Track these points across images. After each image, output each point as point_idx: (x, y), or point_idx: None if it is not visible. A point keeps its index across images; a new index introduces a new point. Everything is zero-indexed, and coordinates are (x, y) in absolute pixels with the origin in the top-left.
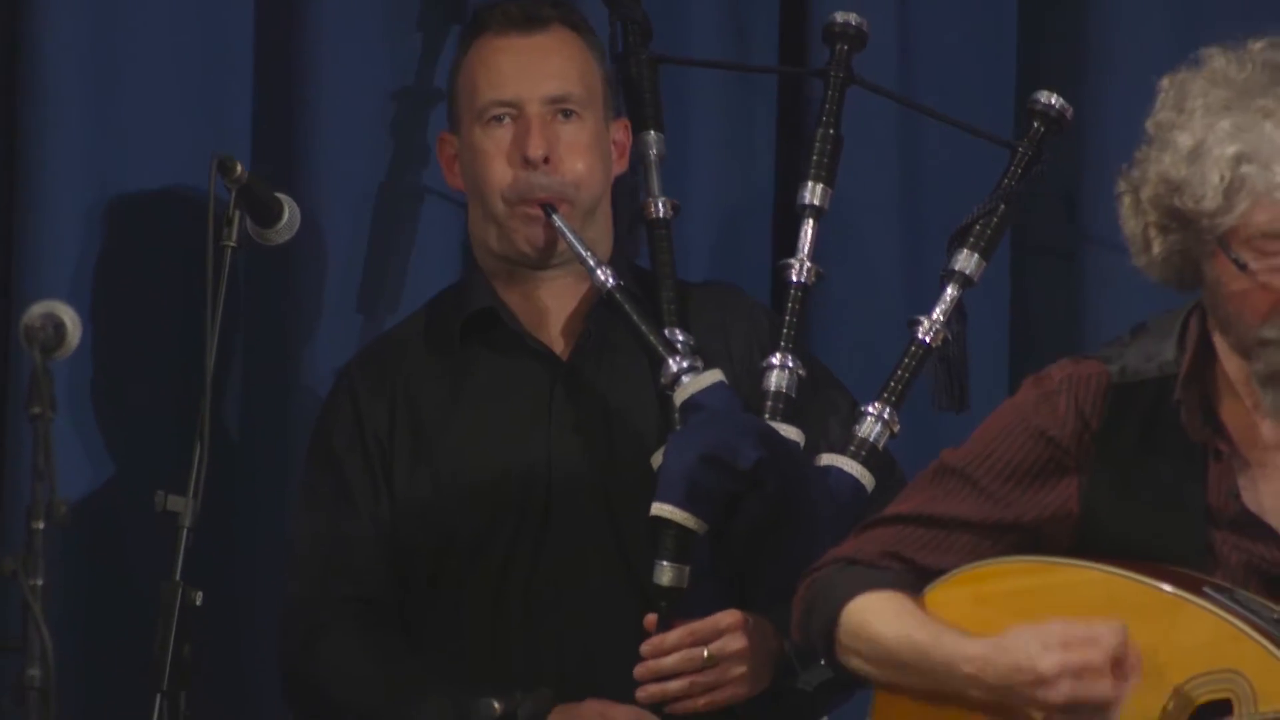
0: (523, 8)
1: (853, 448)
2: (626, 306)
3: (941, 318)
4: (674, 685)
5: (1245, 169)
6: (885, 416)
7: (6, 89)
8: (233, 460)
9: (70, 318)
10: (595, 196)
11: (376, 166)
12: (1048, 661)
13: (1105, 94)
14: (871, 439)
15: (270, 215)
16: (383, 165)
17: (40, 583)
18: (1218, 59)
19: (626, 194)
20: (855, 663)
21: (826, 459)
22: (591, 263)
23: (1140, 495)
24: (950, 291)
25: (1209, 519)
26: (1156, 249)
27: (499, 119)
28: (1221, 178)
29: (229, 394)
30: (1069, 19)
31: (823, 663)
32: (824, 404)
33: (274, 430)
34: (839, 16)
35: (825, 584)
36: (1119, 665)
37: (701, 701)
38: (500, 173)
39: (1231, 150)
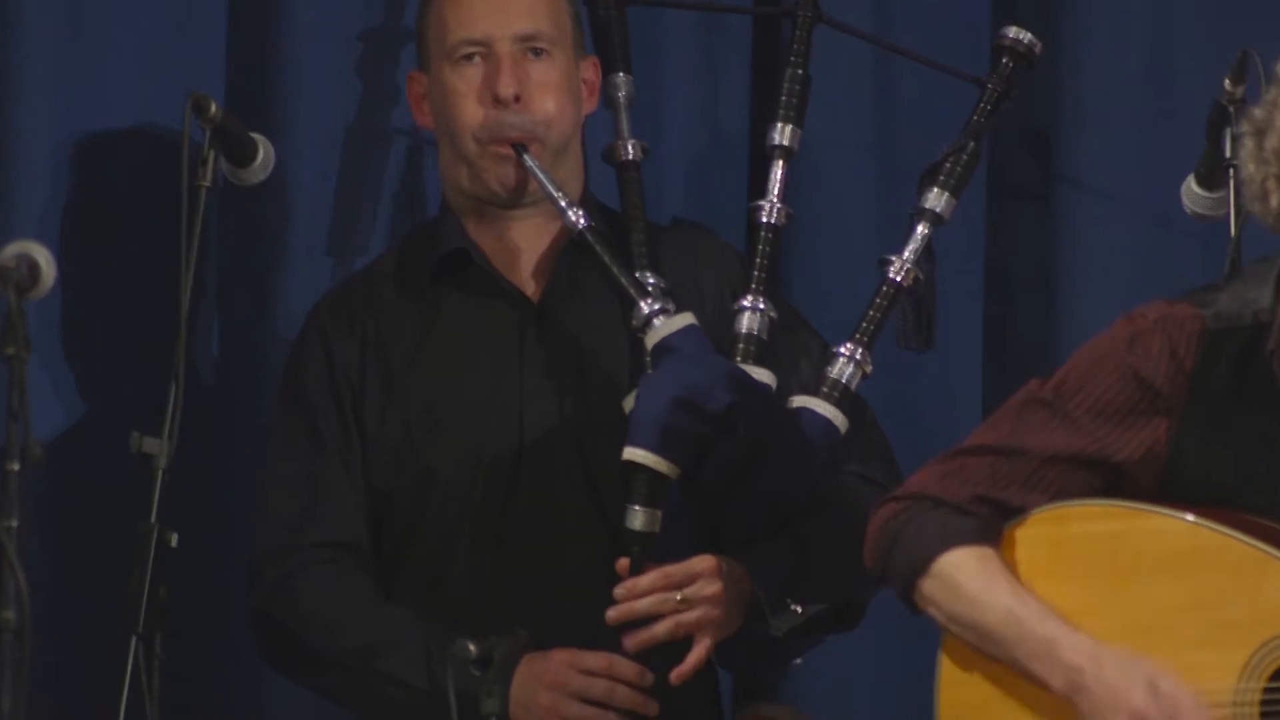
0: None
1: (824, 389)
2: (598, 248)
3: (912, 257)
4: (660, 628)
5: None
6: (857, 357)
7: None
8: (208, 401)
9: (44, 257)
10: (566, 135)
11: (348, 106)
12: (1140, 701)
13: (1080, 32)
14: (844, 380)
15: (245, 155)
16: (354, 105)
17: (15, 524)
18: None
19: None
20: (933, 612)
21: (798, 401)
22: (563, 203)
23: (1230, 443)
24: (920, 230)
25: None
26: (1274, 201)
27: (469, 58)
28: None
29: (203, 335)
30: None
31: (798, 607)
32: (795, 346)
33: (249, 371)
34: None
35: (912, 524)
36: None
37: (671, 633)
38: (471, 112)
39: None
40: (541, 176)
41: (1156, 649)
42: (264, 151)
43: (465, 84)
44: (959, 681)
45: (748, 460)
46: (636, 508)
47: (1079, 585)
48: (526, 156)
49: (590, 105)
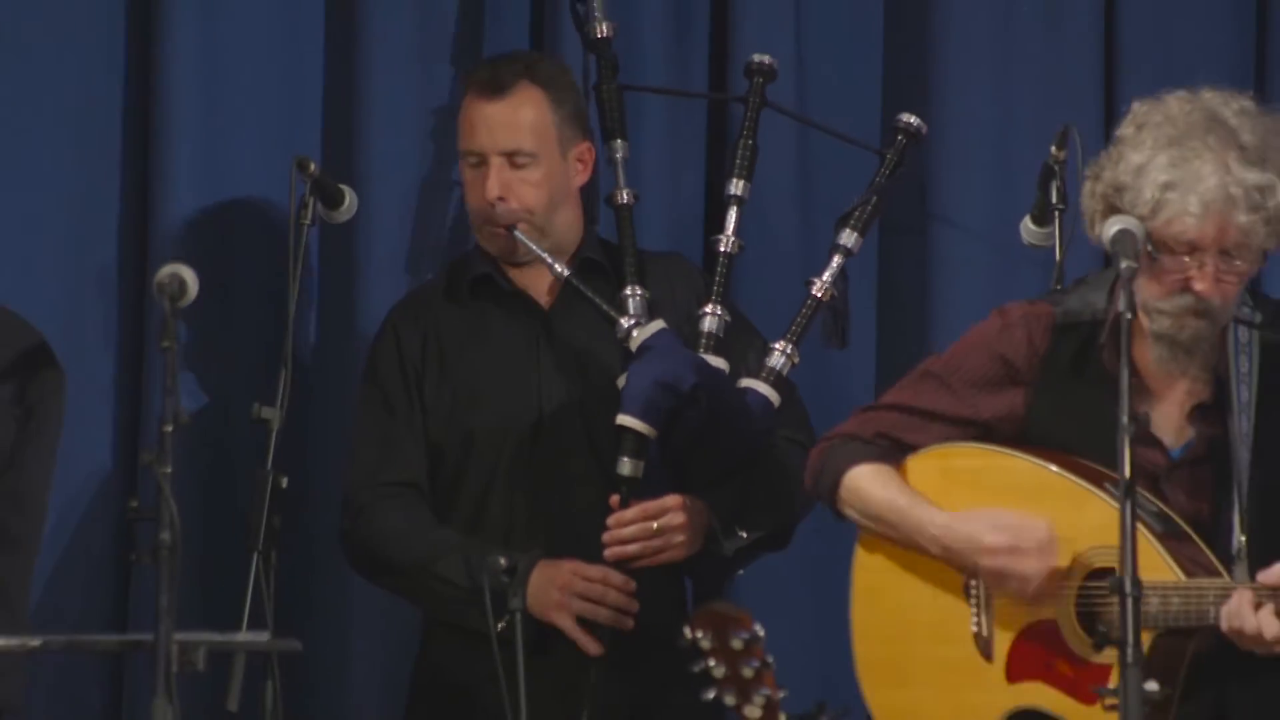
0: (495, 72)
1: (764, 374)
2: (581, 288)
3: (830, 279)
4: (632, 549)
5: (1170, 194)
6: (788, 352)
7: (142, 107)
8: (309, 381)
9: (190, 276)
10: (547, 214)
11: (415, 164)
12: (991, 538)
13: (947, 114)
14: (778, 368)
15: (336, 201)
16: (419, 163)
17: (169, 470)
18: (1173, 103)
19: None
20: (849, 512)
21: (745, 382)
22: (549, 260)
23: (1069, 409)
24: (836, 260)
25: (1115, 430)
26: (1098, 229)
27: (471, 162)
28: (1153, 195)
29: (305, 332)
30: (918, 59)
31: (743, 533)
32: (743, 342)
33: (339, 359)
34: (755, 57)
35: (833, 453)
36: (1042, 553)
37: (650, 560)
38: (474, 200)
39: (1164, 178)
40: (530, 245)
41: None
42: (350, 198)
43: (470, 179)
44: (868, 567)
45: (707, 425)
46: (625, 459)
47: (956, 502)
48: (516, 233)
49: (583, 178)
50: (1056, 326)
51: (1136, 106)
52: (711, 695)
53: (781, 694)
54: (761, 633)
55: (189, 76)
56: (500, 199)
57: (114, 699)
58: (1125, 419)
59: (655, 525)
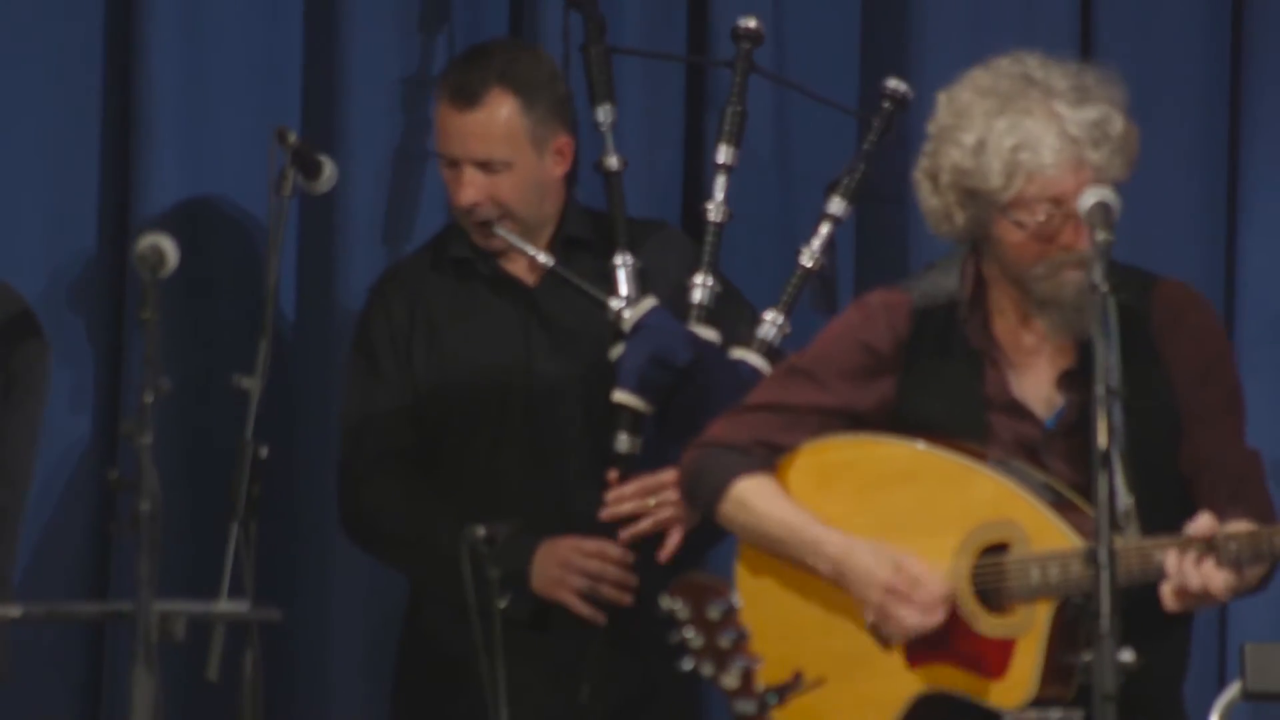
0: (467, 79)
1: (755, 345)
2: (567, 275)
3: (819, 248)
4: (644, 524)
5: (1021, 155)
6: (779, 322)
7: (122, 79)
8: (288, 351)
9: (169, 246)
10: (526, 209)
11: (396, 134)
12: (886, 576)
13: (925, 79)
14: (769, 339)
15: (315, 171)
16: (399, 134)
17: (149, 440)
18: (980, 77)
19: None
20: (733, 527)
21: (737, 353)
22: (531, 252)
23: (937, 389)
24: (825, 228)
25: (987, 406)
26: (958, 220)
27: (447, 163)
28: (1003, 163)
29: (285, 302)
30: (897, 24)
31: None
32: (734, 312)
33: (319, 329)
34: (742, 21)
35: (709, 463)
36: (929, 610)
37: (648, 530)
38: (453, 199)
39: (1009, 143)
40: (512, 239)
41: (894, 540)
42: (329, 169)
43: (448, 177)
44: (752, 574)
45: (702, 401)
46: (623, 434)
47: (836, 497)
48: (498, 228)
49: (562, 169)
50: (916, 311)
51: (942, 96)
52: (689, 665)
53: (758, 664)
54: (738, 603)
55: (169, 47)
56: (476, 203)
57: (94, 668)
58: (1101, 389)
59: (653, 501)
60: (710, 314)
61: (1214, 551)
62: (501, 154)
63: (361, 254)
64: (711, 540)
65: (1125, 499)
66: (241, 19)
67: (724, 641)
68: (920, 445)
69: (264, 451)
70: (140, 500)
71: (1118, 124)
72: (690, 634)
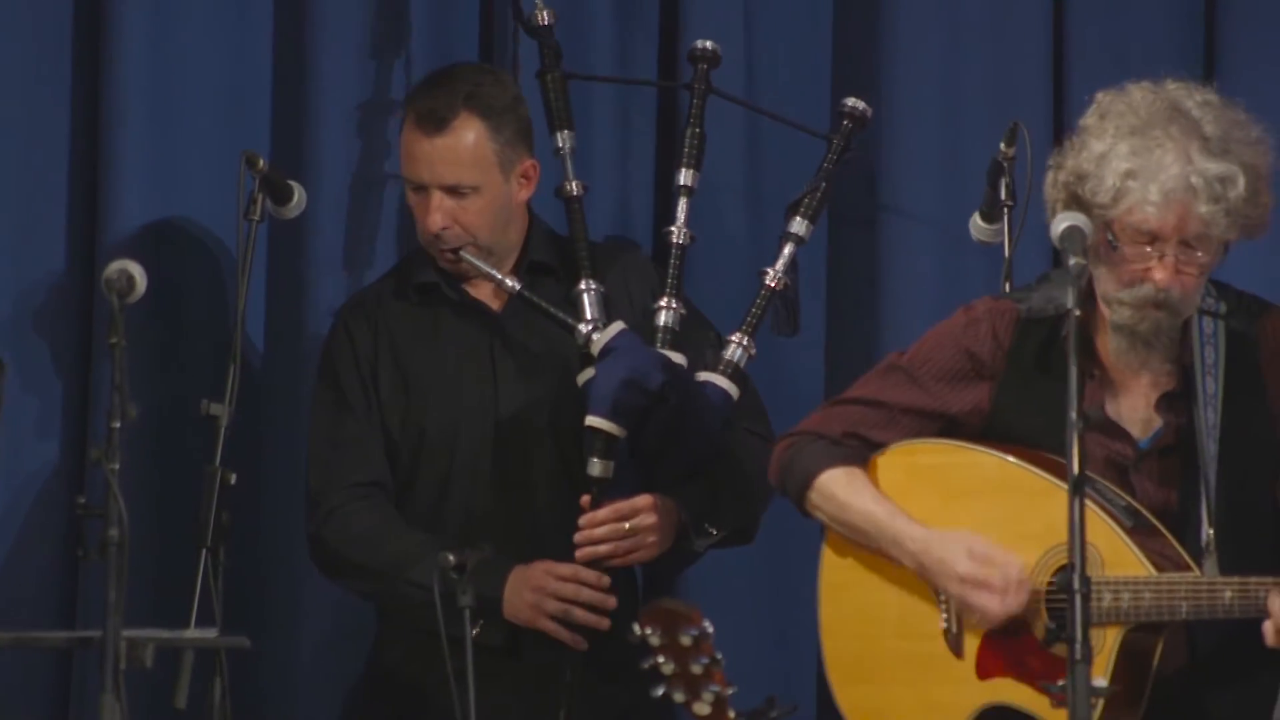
0: (434, 103)
1: (721, 367)
2: (534, 299)
3: (782, 268)
4: (603, 549)
5: (1131, 183)
6: (744, 343)
7: (91, 102)
8: (257, 377)
9: (138, 271)
10: (493, 234)
11: (365, 160)
12: (964, 567)
13: (895, 102)
14: (736, 360)
15: (284, 197)
16: (369, 159)
17: (117, 466)
18: (1136, 92)
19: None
20: (819, 515)
21: (703, 376)
22: (499, 277)
23: (1033, 402)
24: (788, 248)
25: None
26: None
27: (414, 188)
28: (1115, 183)
29: (254, 327)
30: (868, 46)
31: (713, 529)
32: (699, 335)
33: (288, 355)
34: (699, 43)
35: (801, 451)
36: (1008, 592)
37: (622, 560)
38: (421, 226)
39: (1125, 166)
40: (478, 264)
41: None
42: (299, 194)
43: (415, 202)
44: (836, 565)
45: (676, 423)
46: (595, 460)
47: (922, 500)
48: (464, 253)
49: (527, 193)
50: (1020, 322)
51: (1100, 96)
52: (660, 692)
53: (730, 690)
54: (710, 629)
55: (139, 72)
56: (444, 228)
57: (62, 696)
58: (1074, 415)
59: (628, 525)
60: (675, 337)
61: None
62: (470, 179)
63: (331, 279)
64: (684, 564)
65: (1206, 531)
66: (210, 44)
67: (696, 668)
68: (1009, 458)
69: (233, 478)
70: (108, 527)
71: (1241, 187)
72: (662, 660)
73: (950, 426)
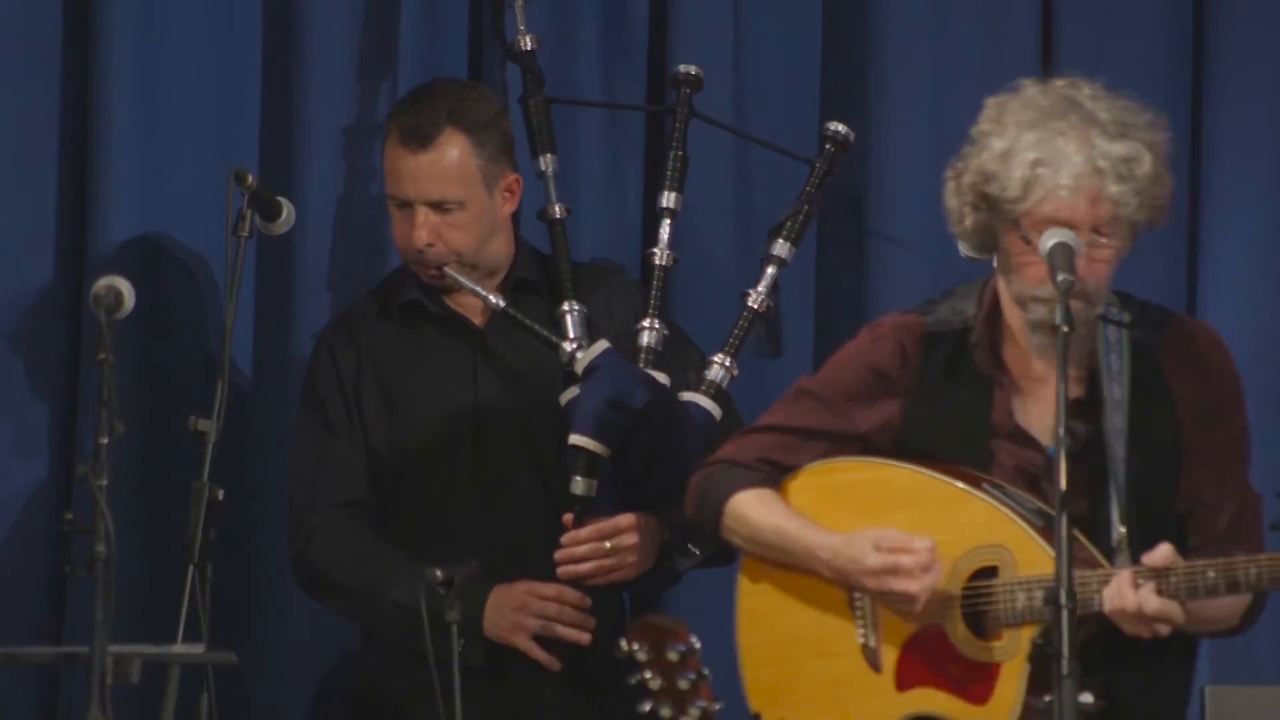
0: (418, 120)
1: (704, 387)
2: (519, 317)
3: (765, 290)
4: (585, 567)
5: (1040, 170)
6: (727, 364)
7: (80, 119)
8: (245, 394)
9: (126, 288)
10: (477, 252)
11: (353, 176)
12: (873, 560)
13: (883, 125)
14: (718, 381)
15: (273, 213)
16: (357, 176)
17: (105, 483)
18: (1030, 89)
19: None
20: (735, 540)
21: (686, 396)
22: (482, 294)
23: (943, 414)
24: (770, 271)
25: (992, 432)
26: (968, 222)
27: (398, 204)
28: (1023, 175)
29: (242, 343)
30: (857, 69)
31: (696, 550)
32: (682, 355)
33: (276, 372)
34: (681, 67)
35: (714, 479)
36: (924, 571)
37: (603, 579)
38: (403, 242)
39: (1032, 156)
40: (462, 280)
41: None
42: (287, 211)
43: (398, 219)
44: (752, 592)
45: (660, 442)
46: (578, 478)
47: (838, 517)
48: (448, 269)
49: (511, 207)
50: (927, 335)
51: (990, 101)
52: (647, 708)
53: (717, 706)
54: (697, 644)
55: (127, 88)
56: (429, 245)
57: (49, 711)
58: (1061, 431)
59: (609, 545)
60: (659, 357)
61: (1155, 578)
62: (454, 194)
63: (319, 296)
64: (668, 581)
65: (1118, 530)
66: (200, 60)
67: (683, 683)
68: (919, 469)
69: (220, 494)
70: (96, 543)
71: (1147, 165)
72: (649, 676)
73: (864, 445)
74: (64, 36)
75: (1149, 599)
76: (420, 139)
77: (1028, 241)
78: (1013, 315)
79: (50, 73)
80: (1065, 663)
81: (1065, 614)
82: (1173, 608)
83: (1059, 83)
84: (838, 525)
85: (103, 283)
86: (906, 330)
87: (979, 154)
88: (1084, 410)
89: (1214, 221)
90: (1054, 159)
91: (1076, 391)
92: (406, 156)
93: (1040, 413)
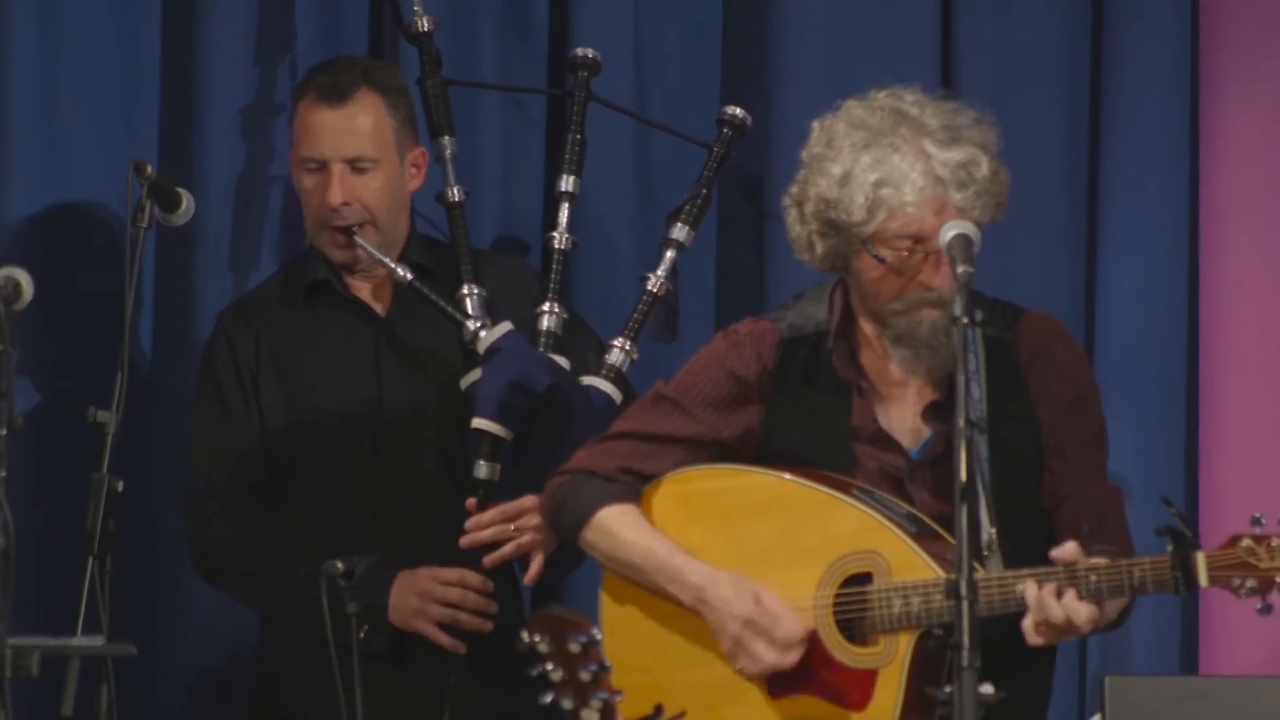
0: (335, 78)
1: (604, 371)
2: (426, 292)
3: (664, 274)
4: (508, 549)
5: (883, 191)
6: (627, 348)
7: None
8: (145, 385)
9: (24, 279)
10: (388, 217)
11: (253, 167)
12: (748, 609)
13: (784, 110)
14: (619, 365)
15: (173, 204)
16: (258, 166)
17: (4, 474)
18: (855, 109)
19: None
20: (593, 553)
21: (587, 380)
22: (392, 265)
23: (803, 419)
24: (669, 255)
25: (853, 436)
26: (819, 249)
27: (311, 168)
28: (866, 197)
29: (141, 334)
30: (757, 52)
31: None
32: (581, 340)
33: (175, 363)
34: (579, 50)
35: (575, 490)
36: (786, 650)
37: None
38: (314, 206)
39: (872, 177)
40: (371, 250)
41: (755, 572)
42: (187, 202)
43: (309, 186)
44: (617, 600)
45: (560, 425)
46: (481, 461)
47: (699, 528)
48: (357, 237)
49: (417, 183)
50: (783, 341)
51: (817, 124)
52: (549, 699)
53: (618, 697)
54: (599, 636)
55: (25, 78)
56: (345, 203)
57: None
58: (962, 421)
59: (513, 527)
60: (558, 341)
61: (1075, 584)
62: (371, 151)
63: (219, 287)
64: (571, 565)
65: (988, 530)
66: (99, 48)
67: (584, 675)
68: (785, 476)
69: (120, 485)
70: None
71: (984, 167)
72: (550, 667)
73: (724, 452)
74: None
75: (1075, 607)
76: (338, 94)
77: (881, 260)
78: (867, 324)
79: None
80: (966, 654)
81: (966, 605)
82: (1095, 612)
83: (880, 95)
84: (701, 534)
85: (1, 274)
86: (762, 337)
87: (817, 180)
88: (941, 412)
89: (1112, 213)
90: (893, 177)
91: (934, 394)
92: (324, 112)
93: (900, 415)
